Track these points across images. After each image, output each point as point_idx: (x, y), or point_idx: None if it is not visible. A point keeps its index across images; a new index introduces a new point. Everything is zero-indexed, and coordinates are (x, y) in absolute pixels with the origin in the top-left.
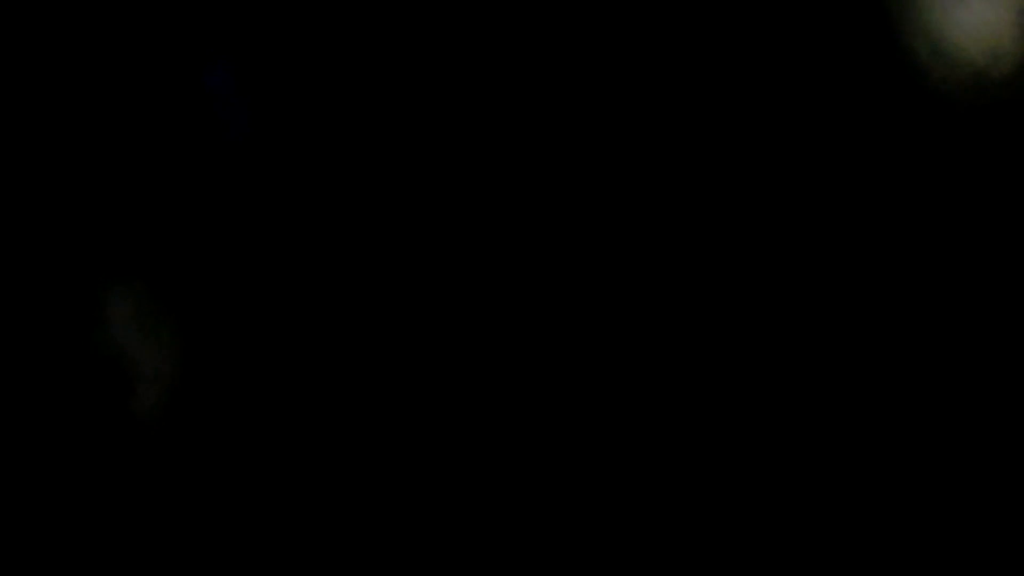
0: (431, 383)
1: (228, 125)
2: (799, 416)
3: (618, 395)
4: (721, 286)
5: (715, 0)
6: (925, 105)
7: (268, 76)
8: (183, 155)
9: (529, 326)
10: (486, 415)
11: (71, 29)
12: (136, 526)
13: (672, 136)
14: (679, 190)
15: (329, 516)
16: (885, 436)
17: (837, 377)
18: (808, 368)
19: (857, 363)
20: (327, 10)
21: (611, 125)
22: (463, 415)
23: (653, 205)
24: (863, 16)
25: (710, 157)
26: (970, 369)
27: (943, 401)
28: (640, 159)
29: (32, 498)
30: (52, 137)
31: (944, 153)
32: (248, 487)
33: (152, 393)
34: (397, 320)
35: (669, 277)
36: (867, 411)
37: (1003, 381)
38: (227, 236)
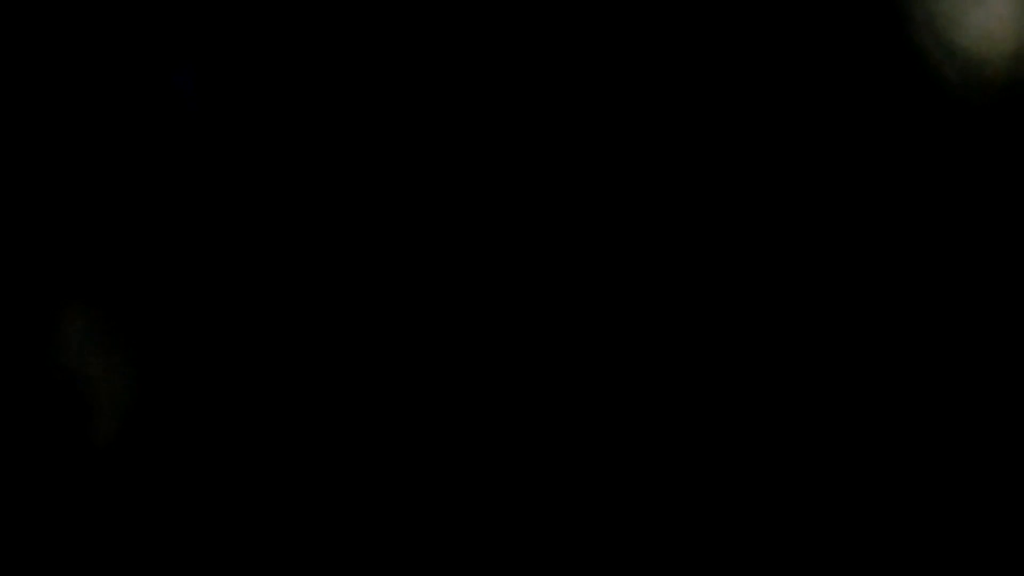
0: (408, 406)
1: (194, 125)
2: (803, 415)
3: (618, 395)
4: (728, 283)
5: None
6: (937, 105)
7: (236, 76)
8: (146, 165)
9: (516, 324)
10: (474, 421)
11: (23, 33)
12: (93, 553)
13: (681, 136)
14: (688, 190)
15: (295, 540)
16: (890, 435)
17: (843, 374)
18: (814, 366)
19: (862, 359)
20: (297, 10)
21: (616, 122)
22: (445, 428)
23: (659, 207)
24: (875, 17)
25: (720, 155)
26: (973, 366)
27: (948, 398)
28: (647, 162)
29: None
30: (9, 145)
31: (957, 153)
32: (208, 512)
33: (108, 418)
34: (372, 340)
35: (673, 277)
36: (874, 407)
37: (1005, 379)
38: (190, 252)
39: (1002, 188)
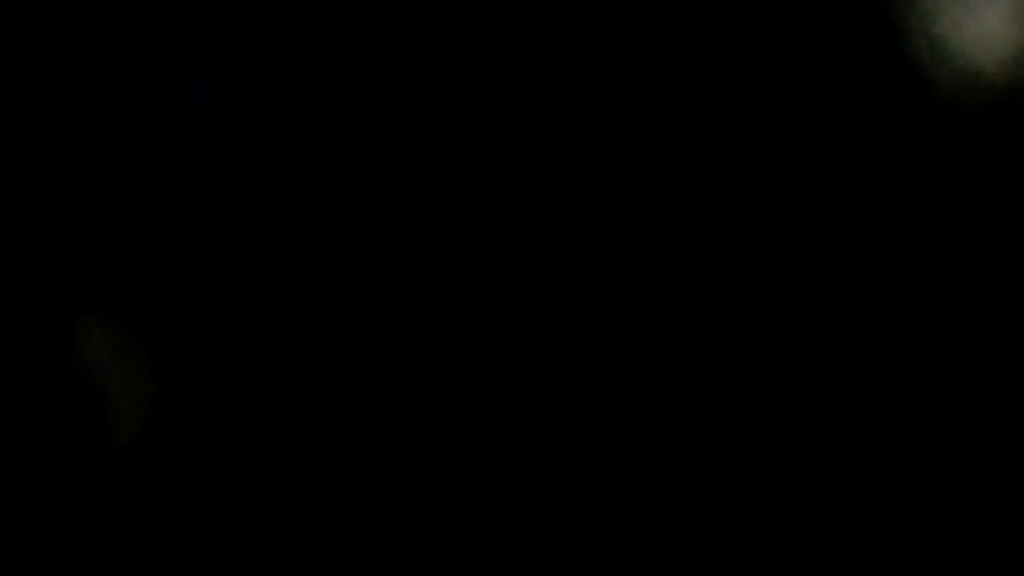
0: (409, 411)
1: (208, 140)
2: (799, 416)
3: (618, 395)
4: (724, 286)
5: (720, 3)
6: (930, 110)
7: (249, 90)
8: (162, 174)
9: (517, 324)
10: (469, 423)
11: (33, 48)
12: (113, 554)
13: (679, 141)
14: (683, 194)
15: (307, 545)
16: (885, 436)
17: (838, 377)
18: (809, 368)
19: (858, 363)
20: (308, 23)
21: (610, 126)
22: (443, 431)
23: (658, 209)
24: (868, 23)
25: (715, 160)
26: (970, 369)
27: (943, 400)
28: (642, 166)
29: (5, 531)
30: (26, 155)
31: (950, 158)
32: (225, 514)
33: (127, 423)
34: (378, 347)
35: (672, 278)
36: (867, 411)
37: (1003, 381)
38: (205, 259)
39: (996, 195)
